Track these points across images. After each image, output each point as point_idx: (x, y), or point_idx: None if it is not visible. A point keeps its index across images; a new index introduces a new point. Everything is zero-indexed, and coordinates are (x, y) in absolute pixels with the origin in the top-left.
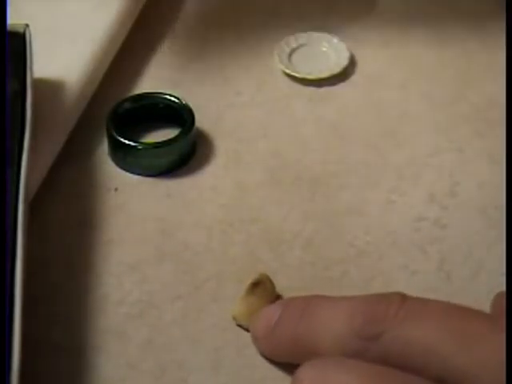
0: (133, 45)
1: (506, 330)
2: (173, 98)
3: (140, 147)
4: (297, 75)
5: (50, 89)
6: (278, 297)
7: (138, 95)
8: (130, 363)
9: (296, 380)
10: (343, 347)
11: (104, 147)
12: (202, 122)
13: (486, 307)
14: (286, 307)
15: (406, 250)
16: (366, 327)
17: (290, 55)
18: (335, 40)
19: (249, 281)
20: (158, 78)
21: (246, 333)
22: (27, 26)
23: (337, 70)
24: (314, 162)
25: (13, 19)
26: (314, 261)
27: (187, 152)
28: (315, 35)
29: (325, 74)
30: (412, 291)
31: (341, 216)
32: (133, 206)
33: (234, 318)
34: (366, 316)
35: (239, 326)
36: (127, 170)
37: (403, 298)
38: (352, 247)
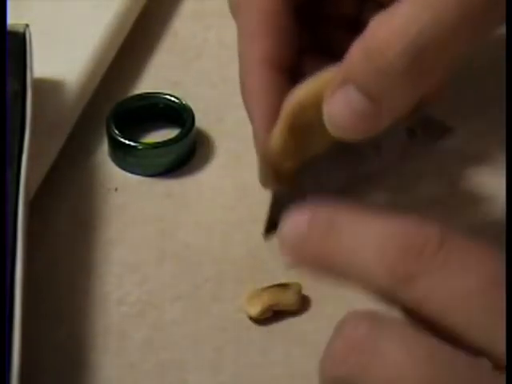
0: (133, 45)
1: (506, 329)
2: (173, 98)
3: (140, 147)
4: None
5: (50, 89)
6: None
7: (138, 95)
8: (130, 363)
9: (339, 339)
10: (372, 282)
11: (104, 147)
12: (202, 122)
13: None
14: (313, 217)
15: None
16: (400, 264)
17: None
18: None
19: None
20: (158, 77)
21: (246, 333)
22: (27, 26)
23: None
24: None
25: (13, 19)
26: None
27: (187, 152)
28: None
29: None
30: None
31: None
32: (133, 206)
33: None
34: (399, 251)
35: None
36: (127, 170)
37: (443, 234)
38: None
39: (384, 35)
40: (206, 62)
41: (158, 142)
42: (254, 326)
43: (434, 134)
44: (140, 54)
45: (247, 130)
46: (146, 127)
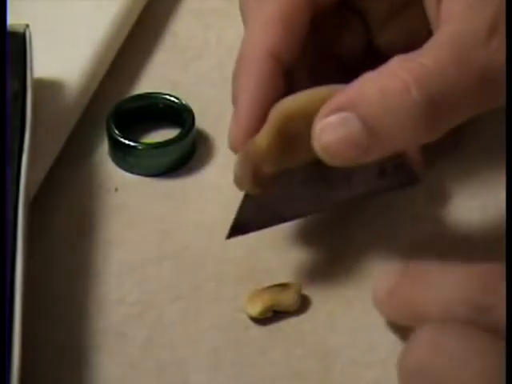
0: (133, 45)
1: (506, 329)
2: (173, 98)
3: (140, 147)
4: None
5: (50, 89)
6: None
7: (138, 95)
8: (130, 363)
9: (414, 341)
10: (454, 314)
11: (104, 147)
12: (202, 122)
13: None
14: (405, 273)
15: (406, 250)
16: (480, 297)
17: None
18: None
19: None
20: (158, 77)
21: (245, 333)
22: (27, 26)
23: None
24: None
25: (13, 19)
26: (315, 260)
27: (187, 152)
28: None
29: None
30: None
31: (341, 215)
32: (133, 206)
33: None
34: (480, 286)
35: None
36: (127, 170)
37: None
38: (352, 247)
39: (406, 79)
40: (206, 62)
41: (158, 142)
42: (254, 326)
43: (402, 179)
44: (140, 54)
45: None
46: (146, 127)
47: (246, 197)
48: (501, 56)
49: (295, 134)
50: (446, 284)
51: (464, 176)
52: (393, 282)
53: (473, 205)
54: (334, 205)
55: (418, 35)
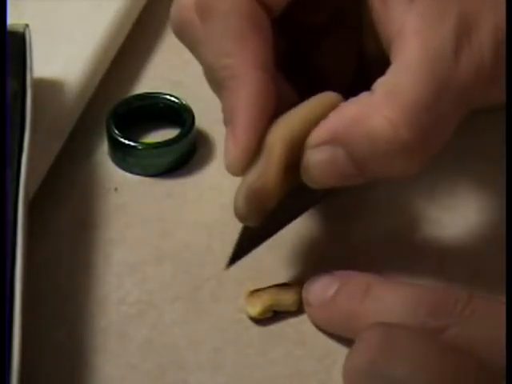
0: (133, 45)
1: (506, 327)
2: (173, 98)
3: (140, 147)
4: None
5: (50, 89)
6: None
7: (138, 95)
8: (130, 363)
9: (364, 342)
10: None
11: (104, 147)
12: (201, 122)
13: None
14: (345, 282)
15: (406, 249)
16: (431, 319)
17: None
18: None
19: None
20: (158, 78)
21: (245, 333)
22: (27, 26)
23: None
24: None
25: (13, 19)
26: (315, 260)
27: (187, 152)
28: None
29: None
30: None
31: (341, 215)
32: (133, 206)
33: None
34: (431, 308)
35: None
36: (127, 170)
37: (470, 295)
38: (352, 247)
39: (393, 119)
40: None
41: (158, 142)
42: (254, 326)
43: None
44: (140, 54)
45: None
46: (146, 127)
47: (245, 228)
48: (471, 71)
49: (297, 161)
50: (392, 300)
51: (464, 176)
52: (330, 291)
53: (473, 206)
54: (315, 202)
55: None
